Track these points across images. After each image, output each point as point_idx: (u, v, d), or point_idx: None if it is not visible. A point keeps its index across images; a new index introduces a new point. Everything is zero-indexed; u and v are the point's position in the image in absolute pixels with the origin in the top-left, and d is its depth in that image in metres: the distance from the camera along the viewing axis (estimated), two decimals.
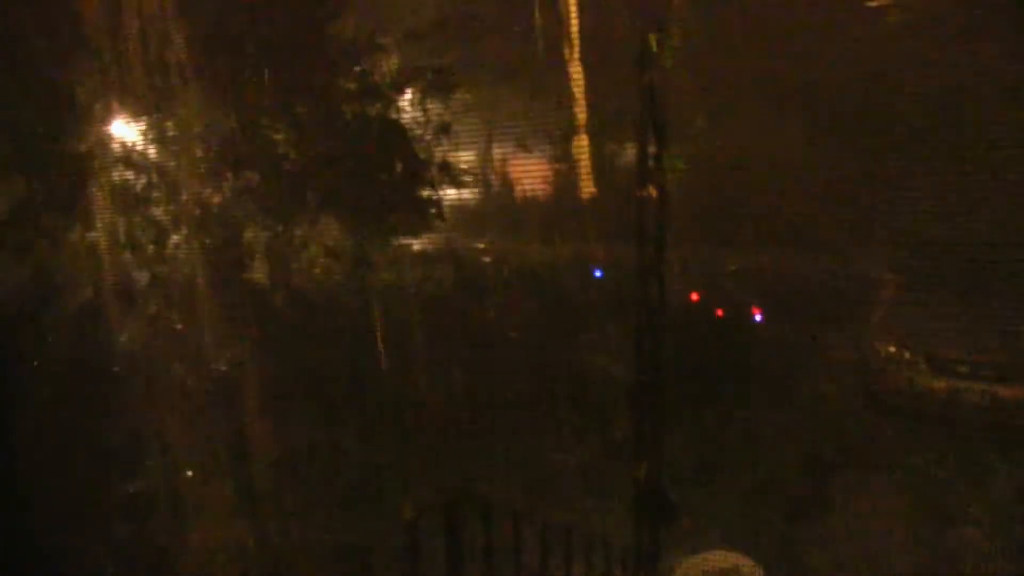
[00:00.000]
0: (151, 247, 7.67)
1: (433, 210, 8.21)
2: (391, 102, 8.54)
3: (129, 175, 7.61)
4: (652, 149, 3.31)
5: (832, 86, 8.89)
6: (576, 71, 6.73)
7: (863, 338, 7.74)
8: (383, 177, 8.25)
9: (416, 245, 8.31)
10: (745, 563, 5.46)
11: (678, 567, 5.38)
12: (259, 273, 8.48)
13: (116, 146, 7.62)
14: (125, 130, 7.67)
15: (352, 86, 8.53)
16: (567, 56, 7.75)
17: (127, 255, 7.57)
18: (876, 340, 7.60)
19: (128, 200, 7.76)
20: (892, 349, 7.45)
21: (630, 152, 3.44)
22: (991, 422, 7.03)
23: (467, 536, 3.06)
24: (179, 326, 7.80)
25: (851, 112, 8.81)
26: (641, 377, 3.67)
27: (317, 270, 8.37)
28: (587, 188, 7.88)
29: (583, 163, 8.27)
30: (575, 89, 7.90)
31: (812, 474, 6.49)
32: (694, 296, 8.45)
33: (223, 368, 7.50)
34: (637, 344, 3.61)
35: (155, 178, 7.78)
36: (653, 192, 3.29)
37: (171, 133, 7.83)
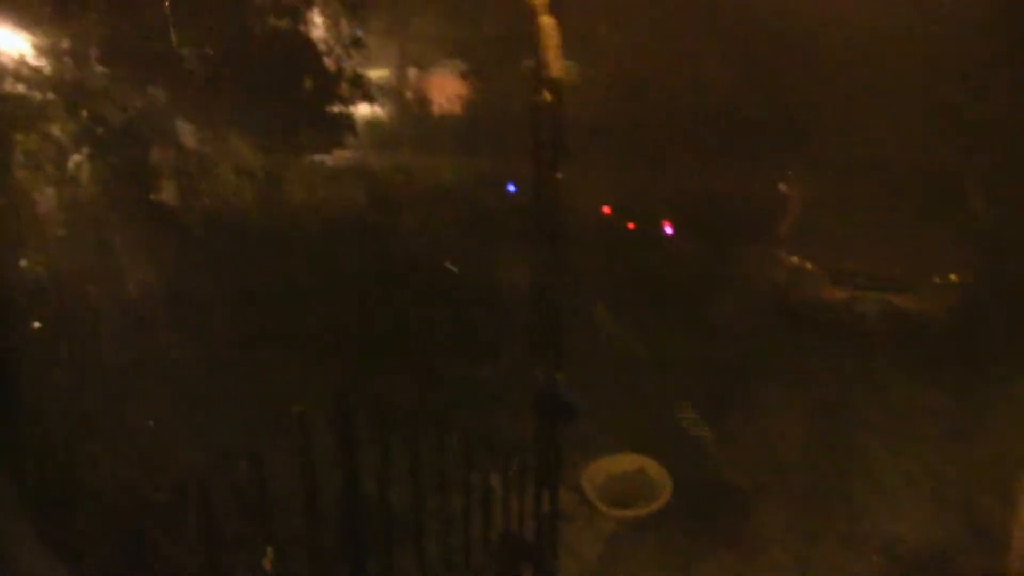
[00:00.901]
0: (50, 168, 7.33)
1: (345, 126, 8.07)
2: (301, 15, 8.26)
3: (21, 89, 7.21)
4: (548, 55, 3.28)
5: (746, 7, 8.95)
6: None
7: (769, 251, 8.00)
8: (293, 93, 8.05)
9: (329, 161, 8.19)
10: (650, 465, 5.69)
11: (585, 469, 5.58)
12: (168, 193, 8.23)
13: (4, 59, 7.21)
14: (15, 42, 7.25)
15: None
16: None
17: (25, 175, 7.23)
18: (782, 253, 7.86)
19: (23, 117, 7.37)
20: (796, 261, 7.73)
21: (531, 61, 3.39)
22: (886, 329, 7.41)
23: (368, 440, 3.12)
24: (85, 249, 7.55)
25: (762, 35, 8.92)
26: (541, 286, 3.71)
27: (228, 189, 8.16)
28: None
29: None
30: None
31: (718, 380, 6.73)
32: (606, 209, 8.58)
33: (133, 291, 7.32)
34: (537, 255, 3.64)
35: (51, 95, 7.40)
36: (548, 97, 3.27)
37: (68, 46, 7.43)
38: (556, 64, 3.30)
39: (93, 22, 7.37)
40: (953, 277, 7.35)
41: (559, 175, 3.38)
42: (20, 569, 2.59)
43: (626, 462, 5.74)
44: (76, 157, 7.62)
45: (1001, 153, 7.86)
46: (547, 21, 3.24)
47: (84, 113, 7.50)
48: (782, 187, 8.49)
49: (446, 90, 8.75)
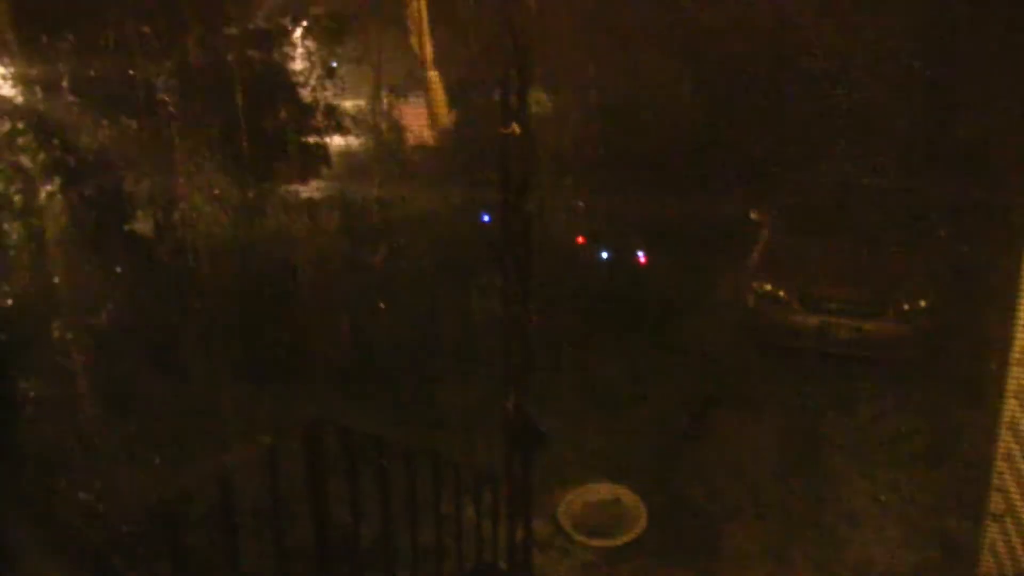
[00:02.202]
0: (18, 198, 7.27)
1: (319, 157, 8.09)
2: (275, 46, 8.30)
3: None
4: (516, 85, 3.33)
5: (715, 37, 9.12)
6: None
7: (741, 278, 8.09)
8: (267, 123, 8.05)
9: (303, 192, 8.20)
10: (626, 494, 5.72)
11: (562, 499, 5.60)
12: (141, 223, 8.20)
13: None
14: None
15: (235, 29, 8.23)
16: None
17: None
18: (753, 280, 7.95)
19: None
20: (768, 288, 7.81)
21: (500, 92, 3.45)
22: (857, 355, 7.49)
23: (338, 467, 3.12)
24: (58, 281, 7.48)
25: (734, 65, 9.09)
26: (514, 315, 3.74)
27: (202, 219, 8.13)
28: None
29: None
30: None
31: (691, 408, 6.78)
32: (580, 239, 8.68)
33: (106, 322, 7.26)
34: (509, 283, 3.67)
35: (20, 124, 7.36)
36: (516, 130, 3.32)
37: (38, 75, 7.42)
38: (442, 111, 3.51)
39: (64, 51, 7.37)
40: (922, 303, 7.46)
41: (529, 206, 3.42)
42: None
43: (601, 491, 5.76)
44: (48, 188, 7.59)
45: (965, 179, 8.02)
46: (433, 75, 3.46)
47: (55, 143, 7.47)
48: (753, 215, 8.60)
49: (420, 120, 8.82)
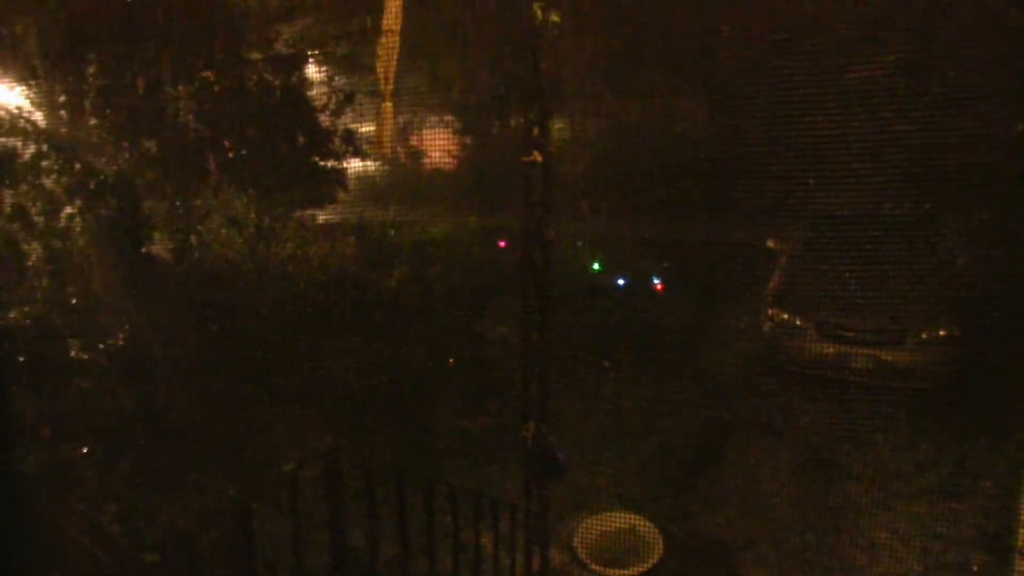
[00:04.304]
0: (40, 220, 7.35)
1: (337, 181, 8.13)
2: (294, 70, 8.37)
3: (16, 143, 7.26)
4: (536, 116, 3.36)
5: (724, 62, 9.13)
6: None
7: (758, 306, 8.04)
8: (286, 147, 8.11)
9: (320, 216, 8.23)
10: (641, 523, 5.67)
11: (577, 527, 5.55)
12: (158, 245, 8.25)
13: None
14: (10, 95, 7.33)
15: (255, 54, 8.31)
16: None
17: (14, 227, 7.23)
18: (769, 308, 7.90)
19: (15, 170, 7.41)
20: (784, 316, 7.76)
21: (522, 120, 3.47)
22: (875, 384, 7.41)
23: (354, 496, 3.10)
24: (74, 301, 7.54)
25: (745, 87, 9.09)
26: (531, 343, 3.73)
27: (218, 242, 8.17)
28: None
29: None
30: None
31: (706, 437, 6.73)
32: (595, 265, 8.66)
33: (122, 344, 7.29)
34: (526, 311, 3.67)
35: (44, 147, 7.46)
36: (538, 158, 3.34)
37: (63, 99, 7.53)
38: (387, 144, 3.76)
39: (88, 75, 7.47)
40: (942, 332, 7.39)
41: (550, 234, 3.43)
42: None
43: (615, 520, 5.71)
44: (68, 210, 7.66)
45: (984, 208, 7.96)
46: (387, 106, 3.70)
47: (77, 166, 7.55)
48: (770, 243, 8.54)
49: (437, 146, 8.85)
